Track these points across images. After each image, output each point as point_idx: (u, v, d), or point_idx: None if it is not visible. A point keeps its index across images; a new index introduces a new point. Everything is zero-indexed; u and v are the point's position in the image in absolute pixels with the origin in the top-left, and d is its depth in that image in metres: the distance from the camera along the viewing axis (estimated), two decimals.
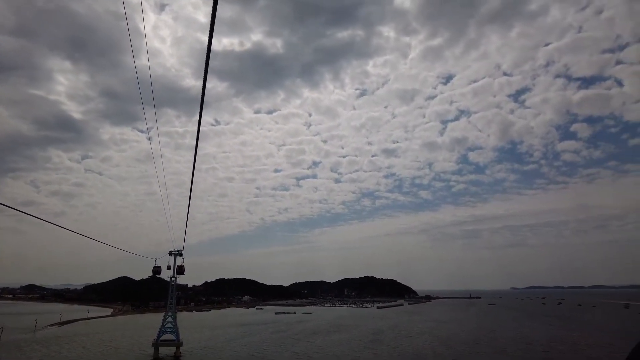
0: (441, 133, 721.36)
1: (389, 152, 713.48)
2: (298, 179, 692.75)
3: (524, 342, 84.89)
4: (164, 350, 72.19)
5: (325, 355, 71.82)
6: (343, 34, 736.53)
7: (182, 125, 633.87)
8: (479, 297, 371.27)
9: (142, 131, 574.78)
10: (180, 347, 72.92)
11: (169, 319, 76.26)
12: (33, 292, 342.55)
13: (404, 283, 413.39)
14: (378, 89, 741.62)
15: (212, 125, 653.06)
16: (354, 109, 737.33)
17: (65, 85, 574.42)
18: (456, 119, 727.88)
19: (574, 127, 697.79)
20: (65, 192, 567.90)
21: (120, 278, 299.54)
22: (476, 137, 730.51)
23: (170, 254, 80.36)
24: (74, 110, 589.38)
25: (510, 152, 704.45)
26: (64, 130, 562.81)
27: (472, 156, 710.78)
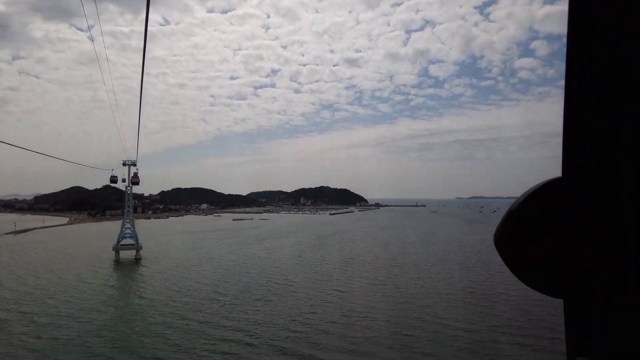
0: (405, 43, 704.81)
1: (351, 62, 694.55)
2: (256, 88, 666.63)
3: (453, 244, 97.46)
4: (124, 254, 77.56)
5: (271, 256, 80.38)
6: None
7: (127, 24, 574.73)
8: (424, 205, 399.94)
9: (81, 29, 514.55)
10: (140, 251, 78.55)
11: (128, 225, 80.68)
12: None
13: (357, 192, 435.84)
14: None
15: (161, 25, 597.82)
16: (317, 11, 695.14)
17: None
18: (421, 29, 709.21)
19: (534, 44, 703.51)
20: None
21: (72, 188, 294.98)
22: (439, 49, 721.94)
23: (124, 164, 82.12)
24: None
25: (470, 67, 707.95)
26: None
27: (433, 69, 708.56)
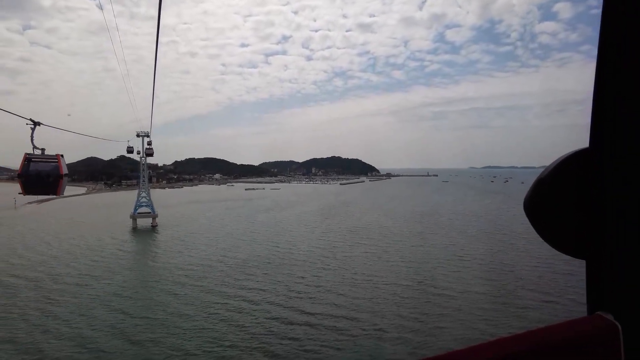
0: (420, 7, 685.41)
1: (364, 27, 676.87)
2: (267, 55, 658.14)
3: (458, 214, 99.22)
4: (141, 222, 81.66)
5: (278, 225, 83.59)
6: None
7: None
8: (436, 175, 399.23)
9: None
10: (156, 219, 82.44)
11: (143, 194, 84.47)
12: (0, 174, 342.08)
13: (368, 162, 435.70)
14: None
15: None
16: None
17: None
18: None
19: (557, 6, 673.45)
20: (11, 68, 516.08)
21: (88, 158, 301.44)
22: (455, 13, 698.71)
23: (138, 135, 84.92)
24: None
25: (488, 32, 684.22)
26: None
27: (449, 34, 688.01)
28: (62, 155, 13.42)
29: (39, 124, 13.32)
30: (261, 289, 40.19)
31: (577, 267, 40.44)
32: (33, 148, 13.22)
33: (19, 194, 14.00)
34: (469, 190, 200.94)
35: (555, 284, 40.38)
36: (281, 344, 28.19)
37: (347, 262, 51.32)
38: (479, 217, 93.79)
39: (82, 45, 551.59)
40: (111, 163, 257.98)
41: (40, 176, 13.14)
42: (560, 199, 1.24)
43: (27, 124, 13.11)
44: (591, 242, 1.21)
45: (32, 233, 73.84)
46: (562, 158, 1.27)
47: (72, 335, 29.77)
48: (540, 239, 1.28)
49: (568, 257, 1.29)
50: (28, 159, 13.08)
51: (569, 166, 1.25)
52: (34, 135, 13.23)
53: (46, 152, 13.49)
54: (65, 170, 13.34)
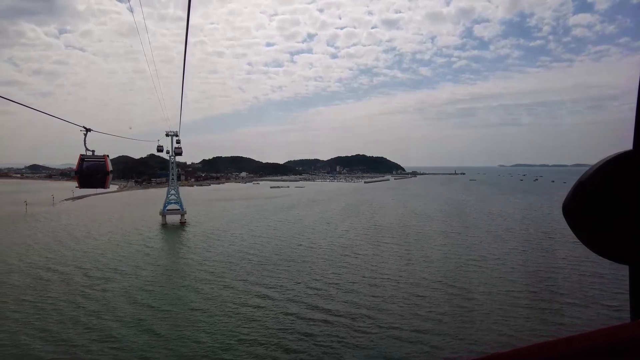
0: (447, 3, 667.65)
1: (390, 24, 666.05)
2: (292, 54, 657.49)
3: (484, 213, 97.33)
4: (170, 218, 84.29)
5: (301, 222, 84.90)
6: None
7: None
8: (463, 173, 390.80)
9: (121, 0, 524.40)
10: (184, 215, 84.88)
11: (172, 192, 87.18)
12: (39, 172, 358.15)
13: (394, 160, 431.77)
14: None
15: None
16: None
17: None
18: None
19: None
20: (49, 71, 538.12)
21: (120, 157, 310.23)
22: (484, 7, 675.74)
23: (167, 134, 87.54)
24: None
25: (518, 26, 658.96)
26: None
27: (478, 30, 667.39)
28: (107, 155, 15.99)
29: (90, 130, 15.41)
30: (282, 286, 40.89)
31: (607, 270, 39.41)
32: (85, 150, 15.28)
33: (76, 187, 16.63)
34: (496, 188, 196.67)
35: (581, 285, 39.30)
36: (300, 340, 28.75)
37: (368, 260, 51.38)
38: (504, 216, 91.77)
39: (114, 47, 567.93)
40: (141, 161, 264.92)
41: (92, 173, 15.65)
42: (602, 203, 1.20)
43: (80, 130, 15.20)
44: (634, 247, 1.16)
45: (66, 229, 77.21)
46: (605, 160, 1.21)
47: (100, 327, 31.26)
48: (571, 241, 1.26)
49: (599, 259, 1.24)
50: (82, 159, 15.40)
51: (612, 169, 1.20)
52: (86, 139, 15.20)
53: (94, 153, 15.61)
54: (110, 168, 15.88)
